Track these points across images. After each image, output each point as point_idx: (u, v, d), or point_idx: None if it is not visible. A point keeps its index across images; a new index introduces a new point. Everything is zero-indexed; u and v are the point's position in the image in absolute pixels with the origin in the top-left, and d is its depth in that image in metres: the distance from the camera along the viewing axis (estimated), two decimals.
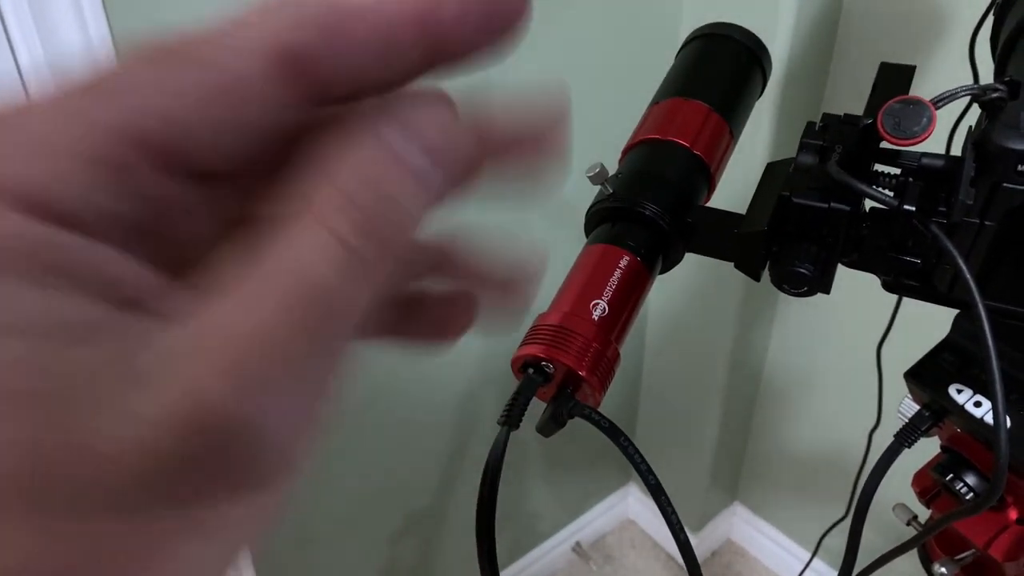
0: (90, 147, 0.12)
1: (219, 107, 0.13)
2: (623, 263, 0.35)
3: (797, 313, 1.31)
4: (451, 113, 0.15)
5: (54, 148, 0.12)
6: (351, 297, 0.13)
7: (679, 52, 0.44)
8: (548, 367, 0.33)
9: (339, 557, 1.17)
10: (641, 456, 0.30)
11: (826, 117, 0.37)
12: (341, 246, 0.12)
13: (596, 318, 0.34)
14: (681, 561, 1.41)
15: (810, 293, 0.35)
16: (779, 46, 1.02)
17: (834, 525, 0.88)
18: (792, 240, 0.35)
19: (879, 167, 0.36)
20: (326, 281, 0.12)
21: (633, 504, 1.64)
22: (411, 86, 0.15)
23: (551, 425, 0.32)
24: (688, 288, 1.33)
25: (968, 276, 0.30)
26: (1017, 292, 0.38)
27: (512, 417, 0.33)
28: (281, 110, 0.14)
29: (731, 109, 0.40)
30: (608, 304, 0.34)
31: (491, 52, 0.15)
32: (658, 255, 0.37)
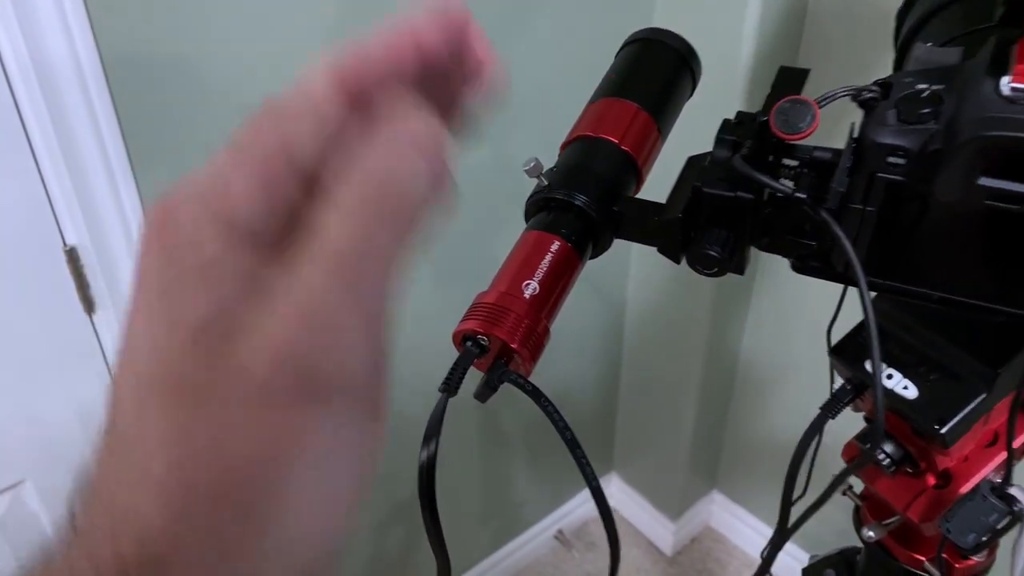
0: (257, 169, 0.19)
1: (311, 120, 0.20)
2: (554, 248, 0.39)
3: (770, 304, 1.35)
4: (437, 124, 0.20)
5: (236, 178, 0.18)
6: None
7: (616, 55, 0.48)
8: (484, 340, 0.37)
9: None
10: (560, 415, 0.33)
11: (740, 115, 0.41)
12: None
13: (528, 296, 0.37)
14: (662, 547, 1.43)
15: (720, 273, 0.39)
16: (745, 46, 1.06)
17: (793, 503, 0.91)
18: (705, 226, 0.39)
19: (786, 160, 0.40)
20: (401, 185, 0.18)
21: (615, 493, 1.67)
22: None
23: (485, 390, 0.36)
24: (664, 282, 1.37)
25: (850, 251, 0.34)
26: (916, 273, 0.42)
27: (451, 384, 0.36)
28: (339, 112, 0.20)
29: (659, 109, 0.44)
30: (539, 284, 0.38)
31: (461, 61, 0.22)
32: (588, 241, 0.41)
